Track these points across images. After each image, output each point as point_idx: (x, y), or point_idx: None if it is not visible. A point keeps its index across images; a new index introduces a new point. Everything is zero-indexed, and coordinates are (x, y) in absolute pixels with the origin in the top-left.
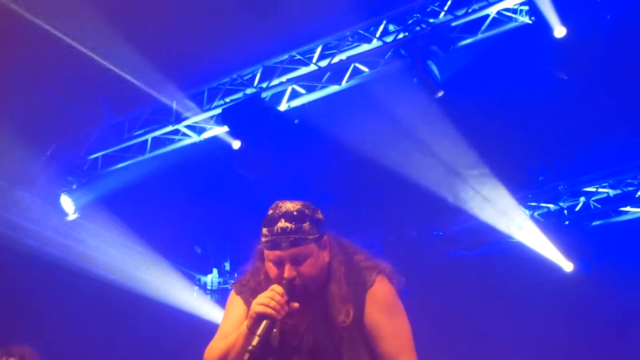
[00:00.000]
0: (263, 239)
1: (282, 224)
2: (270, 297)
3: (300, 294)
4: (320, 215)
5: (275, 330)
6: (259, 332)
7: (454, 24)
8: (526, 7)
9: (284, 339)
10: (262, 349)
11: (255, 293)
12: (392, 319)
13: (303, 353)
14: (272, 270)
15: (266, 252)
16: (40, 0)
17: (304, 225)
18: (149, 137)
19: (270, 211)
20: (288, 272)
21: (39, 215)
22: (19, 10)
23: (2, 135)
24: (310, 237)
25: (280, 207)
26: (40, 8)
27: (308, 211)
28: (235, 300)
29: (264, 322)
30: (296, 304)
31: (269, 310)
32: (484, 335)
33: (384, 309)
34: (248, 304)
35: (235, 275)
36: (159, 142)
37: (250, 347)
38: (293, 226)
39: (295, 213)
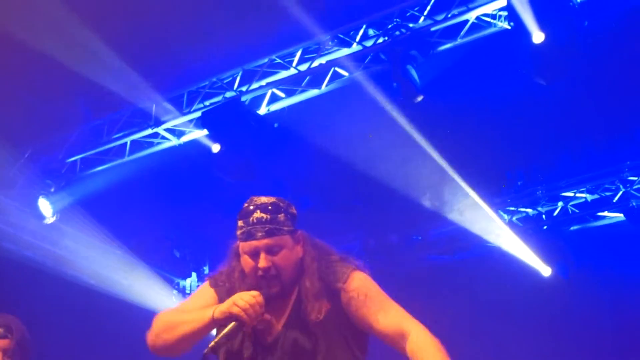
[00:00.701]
0: (238, 232)
1: (257, 214)
2: (249, 304)
3: (275, 287)
4: (294, 210)
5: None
6: (225, 331)
7: (433, 28)
8: (505, 13)
9: (259, 337)
10: (238, 346)
11: (231, 292)
12: (378, 298)
13: (277, 351)
14: (247, 263)
15: (241, 244)
16: (17, 3)
17: (279, 216)
18: (128, 140)
19: (246, 204)
20: (263, 261)
21: (17, 218)
22: None
23: None
24: (285, 228)
25: (255, 200)
26: (18, 11)
27: (282, 204)
28: (207, 290)
29: (233, 323)
30: (268, 317)
31: (244, 315)
32: (462, 340)
33: (368, 293)
34: (221, 300)
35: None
36: (138, 145)
37: (211, 344)
38: (268, 217)
39: (270, 205)
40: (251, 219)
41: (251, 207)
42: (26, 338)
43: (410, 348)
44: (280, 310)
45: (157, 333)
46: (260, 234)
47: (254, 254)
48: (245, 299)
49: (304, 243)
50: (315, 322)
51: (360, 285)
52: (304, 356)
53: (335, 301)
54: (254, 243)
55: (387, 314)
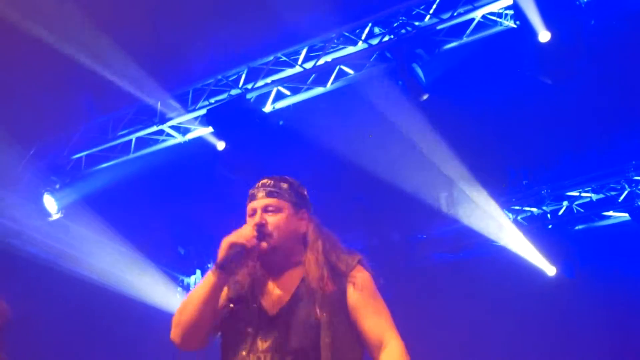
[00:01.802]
0: (248, 199)
1: (263, 180)
2: (239, 232)
3: (267, 244)
4: (303, 191)
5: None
6: (228, 257)
7: (439, 27)
8: (511, 12)
9: (263, 311)
10: (242, 316)
11: (250, 289)
12: (375, 299)
13: (281, 324)
14: (248, 224)
15: (247, 208)
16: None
17: (282, 184)
18: (133, 137)
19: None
20: (258, 217)
21: (22, 215)
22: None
23: None
24: (286, 195)
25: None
26: (25, 8)
27: (292, 180)
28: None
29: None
30: (265, 244)
31: (240, 239)
32: (466, 339)
33: (366, 290)
34: (228, 294)
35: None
36: (143, 142)
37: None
38: (272, 182)
39: (278, 177)
40: (257, 184)
41: (262, 179)
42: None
43: (383, 358)
44: (286, 287)
45: (177, 321)
46: (260, 194)
47: (253, 215)
48: (234, 234)
49: (309, 221)
50: (320, 298)
51: (363, 280)
52: (308, 330)
53: (340, 284)
54: (254, 203)
55: (376, 318)
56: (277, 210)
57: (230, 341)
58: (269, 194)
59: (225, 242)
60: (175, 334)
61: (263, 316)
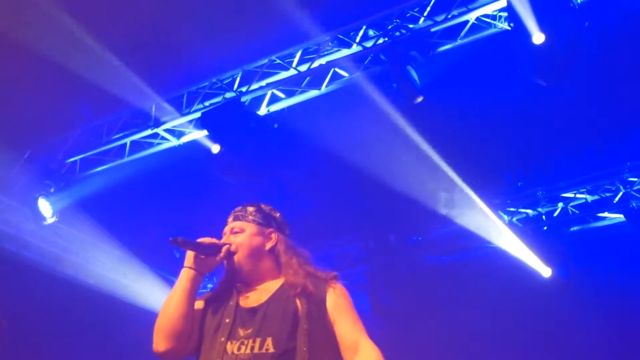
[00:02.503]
0: None
1: (236, 209)
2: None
3: (232, 258)
4: (275, 214)
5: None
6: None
7: (433, 29)
8: (505, 14)
9: (241, 306)
10: (220, 311)
11: (213, 293)
12: (352, 309)
13: (259, 316)
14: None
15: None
16: (16, 4)
17: (249, 208)
18: (127, 140)
19: None
20: (225, 238)
21: (17, 219)
22: None
23: None
24: (250, 217)
25: None
26: (17, 12)
27: (263, 206)
28: None
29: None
30: (233, 259)
31: (206, 240)
32: (461, 340)
33: (345, 298)
34: (205, 298)
35: (215, 279)
36: (137, 145)
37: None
38: (241, 207)
39: (250, 204)
40: (232, 212)
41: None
42: None
43: None
44: (265, 292)
45: (157, 328)
46: (230, 219)
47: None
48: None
49: (277, 240)
50: (299, 294)
51: (342, 289)
52: (287, 316)
53: (319, 288)
54: (225, 228)
55: (352, 324)
56: (240, 230)
57: (208, 332)
58: (235, 218)
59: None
60: (157, 340)
61: (241, 310)
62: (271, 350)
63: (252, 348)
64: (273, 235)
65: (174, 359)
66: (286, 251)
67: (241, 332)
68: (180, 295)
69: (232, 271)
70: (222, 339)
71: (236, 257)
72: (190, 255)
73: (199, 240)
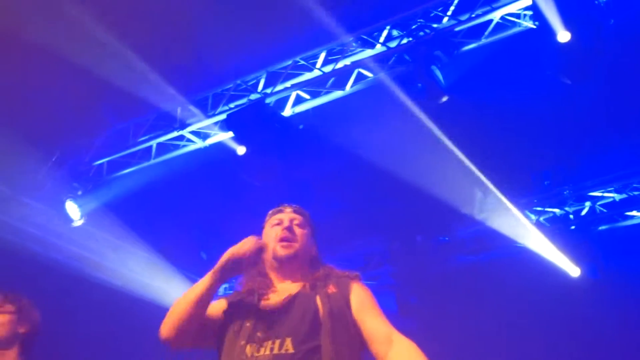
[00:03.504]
0: (268, 215)
1: (287, 204)
2: (243, 242)
3: (291, 250)
4: (313, 225)
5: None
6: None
7: (457, 28)
8: (530, 12)
9: (262, 308)
10: (241, 313)
11: (251, 292)
12: (377, 306)
13: (282, 315)
14: (271, 232)
15: (269, 221)
16: (45, 11)
17: (306, 212)
18: (153, 142)
19: None
20: (287, 221)
21: (45, 221)
22: (22, 21)
23: (8, 142)
24: (309, 219)
25: None
26: (44, 17)
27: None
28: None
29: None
30: (291, 248)
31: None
32: (489, 341)
33: (370, 296)
34: (229, 301)
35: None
36: (163, 147)
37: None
38: (300, 208)
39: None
40: (281, 205)
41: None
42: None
43: (396, 351)
44: (287, 293)
45: (167, 316)
46: (289, 209)
47: (279, 224)
48: (237, 245)
49: (316, 248)
50: (321, 294)
51: (366, 288)
52: (307, 314)
53: (342, 288)
54: (281, 215)
55: (382, 319)
56: (303, 226)
57: (229, 336)
58: (296, 211)
59: (228, 252)
60: (163, 327)
61: (262, 312)
62: (290, 350)
63: (272, 349)
64: (315, 242)
65: (175, 348)
66: (320, 260)
67: (261, 334)
68: (197, 296)
69: (281, 259)
70: (242, 342)
71: (296, 246)
72: (223, 261)
73: (231, 253)
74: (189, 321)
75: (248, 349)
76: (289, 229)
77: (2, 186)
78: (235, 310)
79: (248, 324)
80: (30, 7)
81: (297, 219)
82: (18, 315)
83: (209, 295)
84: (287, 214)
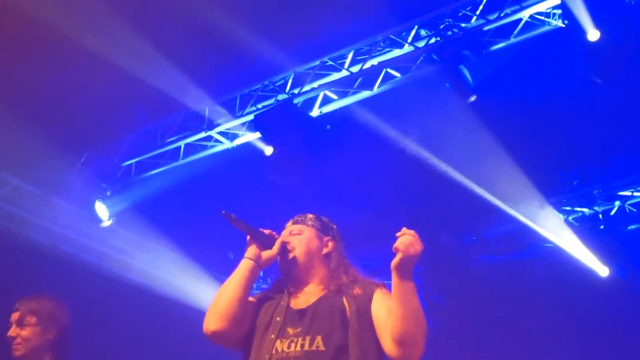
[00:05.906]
0: None
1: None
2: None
3: (289, 255)
4: (332, 225)
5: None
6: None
7: (486, 28)
8: (559, 11)
9: (292, 306)
10: (272, 310)
11: (279, 290)
12: None
13: (308, 316)
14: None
15: None
16: (73, 12)
17: (309, 215)
18: (181, 143)
19: None
20: (283, 237)
21: (74, 222)
22: (49, 23)
23: (37, 143)
24: (310, 222)
25: None
26: (73, 20)
27: (320, 215)
28: None
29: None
30: (288, 255)
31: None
32: (518, 340)
33: (389, 299)
34: (257, 297)
35: (269, 280)
36: (191, 148)
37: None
38: (301, 215)
39: (309, 213)
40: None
41: None
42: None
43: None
44: (313, 294)
45: (211, 308)
46: (288, 224)
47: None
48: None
49: (333, 248)
50: (347, 295)
51: (387, 291)
52: (335, 315)
53: (366, 290)
54: (283, 232)
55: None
56: (299, 232)
57: (259, 329)
58: (294, 222)
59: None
60: (208, 320)
61: (291, 310)
62: (322, 348)
63: (302, 345)
64: (330, 242)
65: (220, 343)
66: (340, 259)
67: (290, 331)
68: (239, 280)
69: (285, 269)
70: (272, 336)
71: (291, 254)
72: (251, 248)
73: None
74: (236, 305)
75: (278, 344)
76: (286, 243)
77: (33, 187)
78: (265, 307)
79: (278, 319)
80: (69, 9)
81: (294, 228)
82: (42, 326)
83: (249, 278)
84: (287, 229)
